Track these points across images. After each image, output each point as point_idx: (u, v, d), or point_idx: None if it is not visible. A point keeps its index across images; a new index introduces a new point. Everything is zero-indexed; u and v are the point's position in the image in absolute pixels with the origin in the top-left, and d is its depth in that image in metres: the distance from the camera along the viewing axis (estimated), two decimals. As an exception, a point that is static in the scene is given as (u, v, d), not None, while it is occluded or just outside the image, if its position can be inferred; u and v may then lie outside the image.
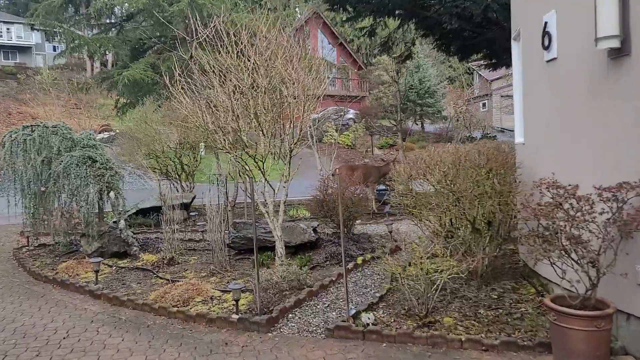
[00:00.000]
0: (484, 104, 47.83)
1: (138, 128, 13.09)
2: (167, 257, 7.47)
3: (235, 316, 5.13)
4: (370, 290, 5.98)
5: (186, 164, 13.23)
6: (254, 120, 6.28)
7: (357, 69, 42.30)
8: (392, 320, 4.86)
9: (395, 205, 7.14)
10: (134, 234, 9.88)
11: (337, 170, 12.06)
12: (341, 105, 32.86)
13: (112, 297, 6.03)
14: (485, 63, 15.90)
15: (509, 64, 14.45)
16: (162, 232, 8.36)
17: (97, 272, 6.63)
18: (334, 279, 6.21)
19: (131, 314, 5.64)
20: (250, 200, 6.10)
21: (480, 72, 50.63)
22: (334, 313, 5.27)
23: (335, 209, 8.58)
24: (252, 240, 7.59)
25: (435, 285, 4.76)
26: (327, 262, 7.02)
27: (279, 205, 6.81)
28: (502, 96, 43.99)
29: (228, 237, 7.59)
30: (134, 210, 11.45)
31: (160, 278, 6.74)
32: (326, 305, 5.50)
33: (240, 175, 7.19)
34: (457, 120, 33.68)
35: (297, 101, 6.43)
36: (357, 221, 9.16)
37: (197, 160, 13.31)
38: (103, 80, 27.41)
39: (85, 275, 7.14)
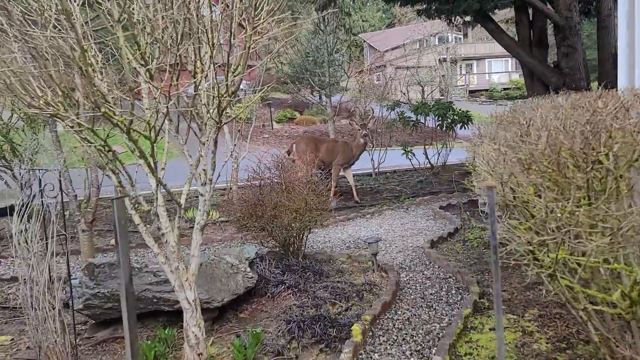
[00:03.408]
0: (377, 76, 46.28)
1: None
2: None
3: None
4: None
5: (19, 144, 8.65)
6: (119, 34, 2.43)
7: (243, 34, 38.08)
8: None
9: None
10: None
11: (294, 145, 8.47)
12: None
13: None
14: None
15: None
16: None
17: None
18: (332, 407, 2.69)
19: None
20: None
21: (371, 44, 49.21)
22: None
23: (278, 217, 5.03)
24: (126, 302, 3.80)
25: None
26: (294, 341, 3.45)
27: (193, 234, 3.12)
28: (396, 67, 42.53)
29: (77, 294, 3.68)
30: None
31: None
32: None
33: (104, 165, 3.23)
34: (360, 91, 31.24)
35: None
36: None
37: (35, 139, 8.76)
38: None
39: None
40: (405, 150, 10.39)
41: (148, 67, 2.57)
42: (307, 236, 5.45)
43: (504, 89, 40.24)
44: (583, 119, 2.11)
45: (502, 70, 44.01)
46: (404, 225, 7.12)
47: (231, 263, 4.07)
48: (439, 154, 11.07)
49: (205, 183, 2.98)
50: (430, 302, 4.20)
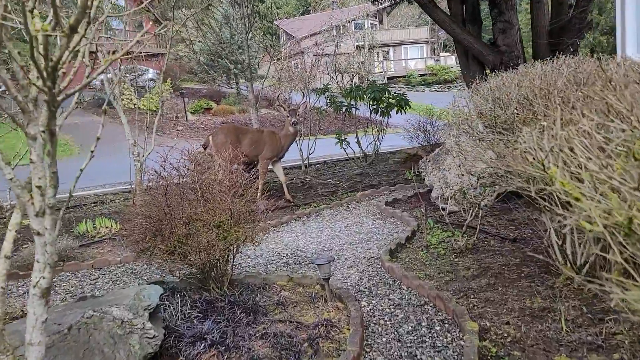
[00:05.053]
0: (296, 63, 45.12)
1: None
2: None
3: None
4: None
5: None
6: None
7: (152, 22, 35.40)
8: None
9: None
10: None
11: (210, 137, 6.99)
12: (136, 64, 26.60)
13: None
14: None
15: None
16: None
17: None
18: None
19: None
20: None
21: (287, 31, 47.96)
22: None
23: (193, 235, 3.67)
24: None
25: None
26: None
27: (29, 306, 1.74)
28: (315, 55, 41.55)
29: None
30: None
31: None
32: None
33: None
34: (279, 79, 29.86)
35: None
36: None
37: None
38: None
39: None
40: (339, 139, 9.26)
41: None
42: (234, 256, 4.13)
43: (421, 75, 40.52)
44: None
45: (418, 57, 44.35)
46: (349, 229, 5.97)
47: (121, 319, 2.67)
48: (376, 141, 10.06)
49: (43, 212, 1.59)
50: (410, 347, 3.04)
